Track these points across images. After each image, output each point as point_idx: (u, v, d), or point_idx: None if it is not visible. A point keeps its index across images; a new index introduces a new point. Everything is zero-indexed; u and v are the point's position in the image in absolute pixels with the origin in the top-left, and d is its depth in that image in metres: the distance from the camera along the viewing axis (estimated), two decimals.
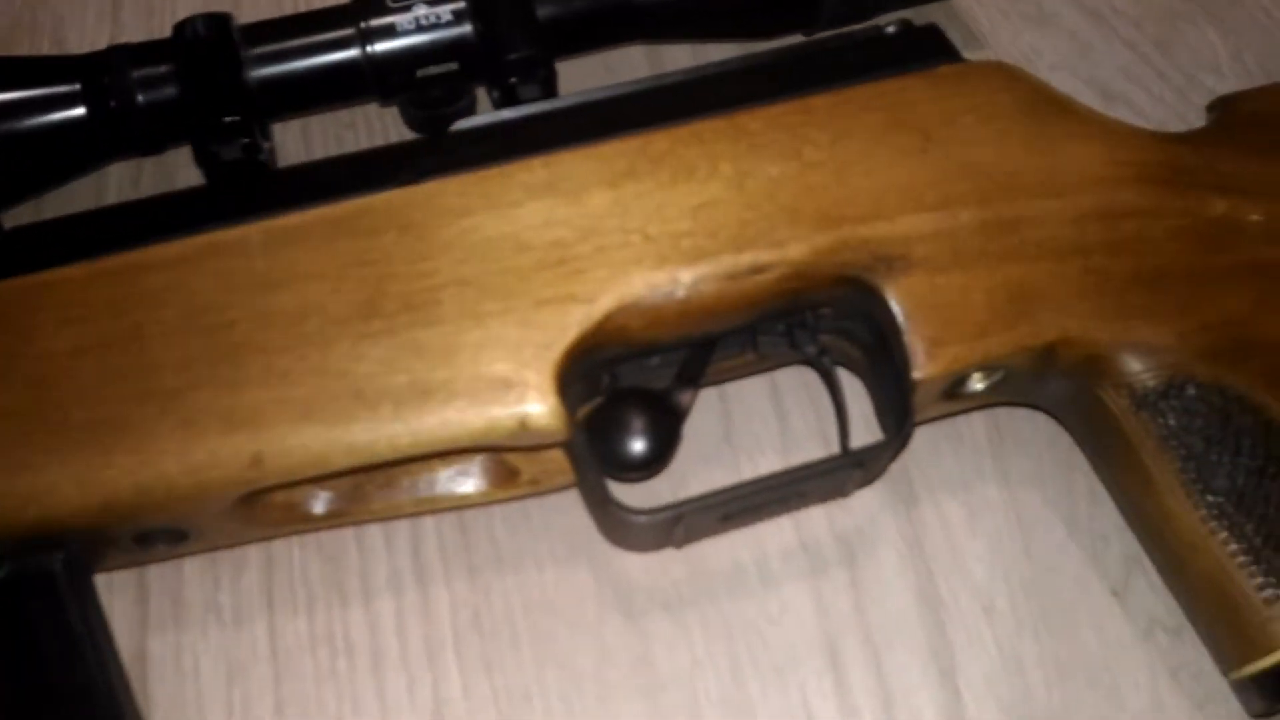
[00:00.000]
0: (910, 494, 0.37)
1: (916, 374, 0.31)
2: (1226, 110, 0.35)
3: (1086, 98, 0.46)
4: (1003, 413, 0.38)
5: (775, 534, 0.36)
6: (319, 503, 0.32)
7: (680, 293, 0.31)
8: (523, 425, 0.29)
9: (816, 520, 0.36)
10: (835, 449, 0.34)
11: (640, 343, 0.31)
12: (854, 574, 0.35)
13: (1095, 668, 0.33)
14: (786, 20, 0.44)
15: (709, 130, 0.33)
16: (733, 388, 0.39)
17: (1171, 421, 0.30)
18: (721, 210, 0.32)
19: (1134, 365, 0.31)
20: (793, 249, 0.31)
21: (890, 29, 0.37)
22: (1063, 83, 0.47)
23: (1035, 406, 0.36)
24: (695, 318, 0.31)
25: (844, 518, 0.36)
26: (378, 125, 0.46)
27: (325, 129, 0.46)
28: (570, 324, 0.30)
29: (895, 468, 0.37)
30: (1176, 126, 0.44)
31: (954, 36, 0.48)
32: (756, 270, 0.31)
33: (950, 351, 0.31)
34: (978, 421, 0.38)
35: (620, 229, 0.31)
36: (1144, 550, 0.33)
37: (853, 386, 0.37)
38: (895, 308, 0.31)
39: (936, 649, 0.34)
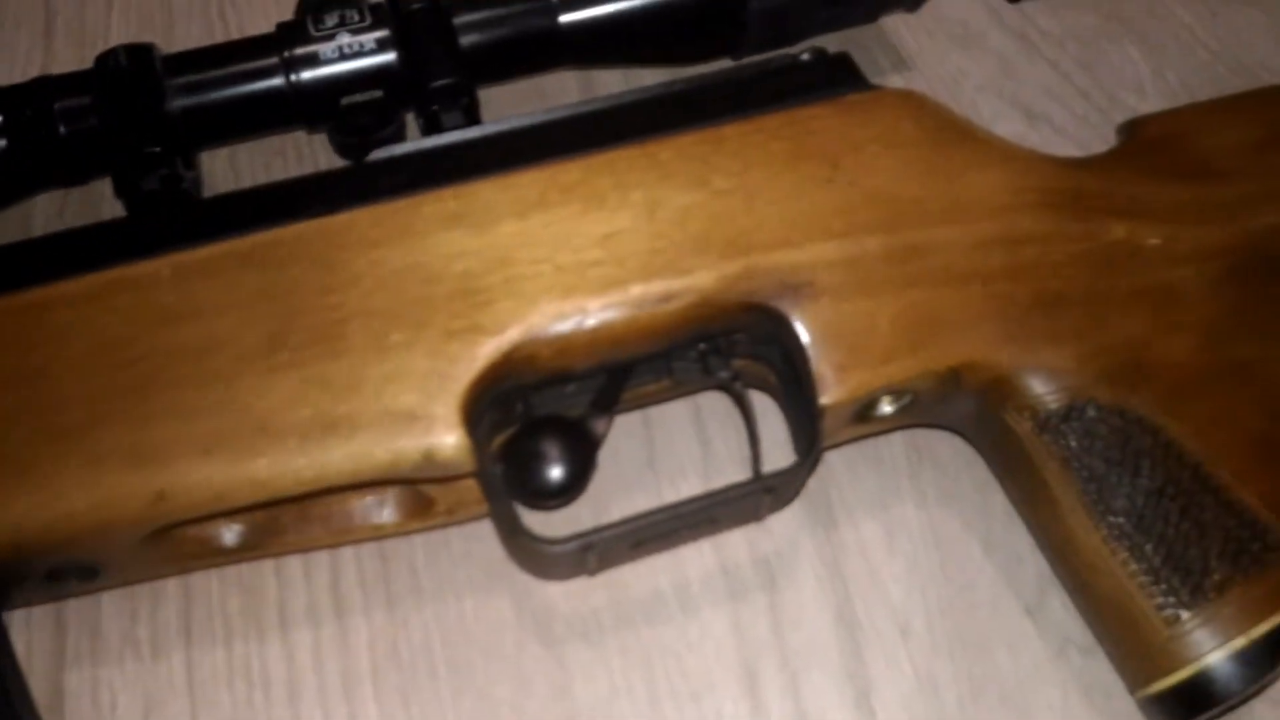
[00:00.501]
0: (829, 516, 0.37)
1: (823, 399, 0.31)
2: (1132, 133, 0.35)
3: (1010, 118, 0.47)
4: (921, 433, 0.39)
5: (696, 558, 0.36)
6: (232, 536, 0.32)
7: (589, 322, 0.31)
8: (429, 458, 0.29)
9: (736, 544, 0.36)
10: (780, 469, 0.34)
11: (552, 371, 0.32)
12: (773, 597, 0.35)
13: (1009, 687, 0.34)
14: (712, 47, 0.45)
15: (621, 159, 0.33)
16: (655, 412, 0.39)
17: (1073, 443, 0.31)
18: (631, 240, 0.32)
19: (1036, 388, 0.31)
20: (701, 277, 0.31)
21: (805, 57, 0.37)
22: (987, 104, 0.48)
23: (947, 428, 0.36)
24: (606, 346, 0.31)
25: (764, 540, 0.36)
26: (307, 152, 0.46)
27: (254, 157, 0.46)
28: (478, 355, 0.30)
29: (815, 489, 0.38)
30: (1098, 146, 0.45)
31: (882, 59, 0.49)
32: (665, 299, 0.31)
33: (856, 377, 0.31)
34: (897, 442, 0.39)
35: (530, 259, 0.32)
36: (1052, 570, 0.34)
37: (773, 409, 0.38)
38: (802, 334, 0.31)
39: (853, 671, 0.34)
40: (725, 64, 0.45)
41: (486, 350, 0.30)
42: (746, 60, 0.39)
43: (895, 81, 0.49)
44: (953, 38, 0.50)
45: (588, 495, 0.36)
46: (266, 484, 0.29)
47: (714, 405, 0.39)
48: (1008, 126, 0.47)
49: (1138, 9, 0.51)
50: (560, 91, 0.48)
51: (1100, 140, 0.47)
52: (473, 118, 0.41)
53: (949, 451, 0.38)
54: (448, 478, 0.31)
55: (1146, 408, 0.31)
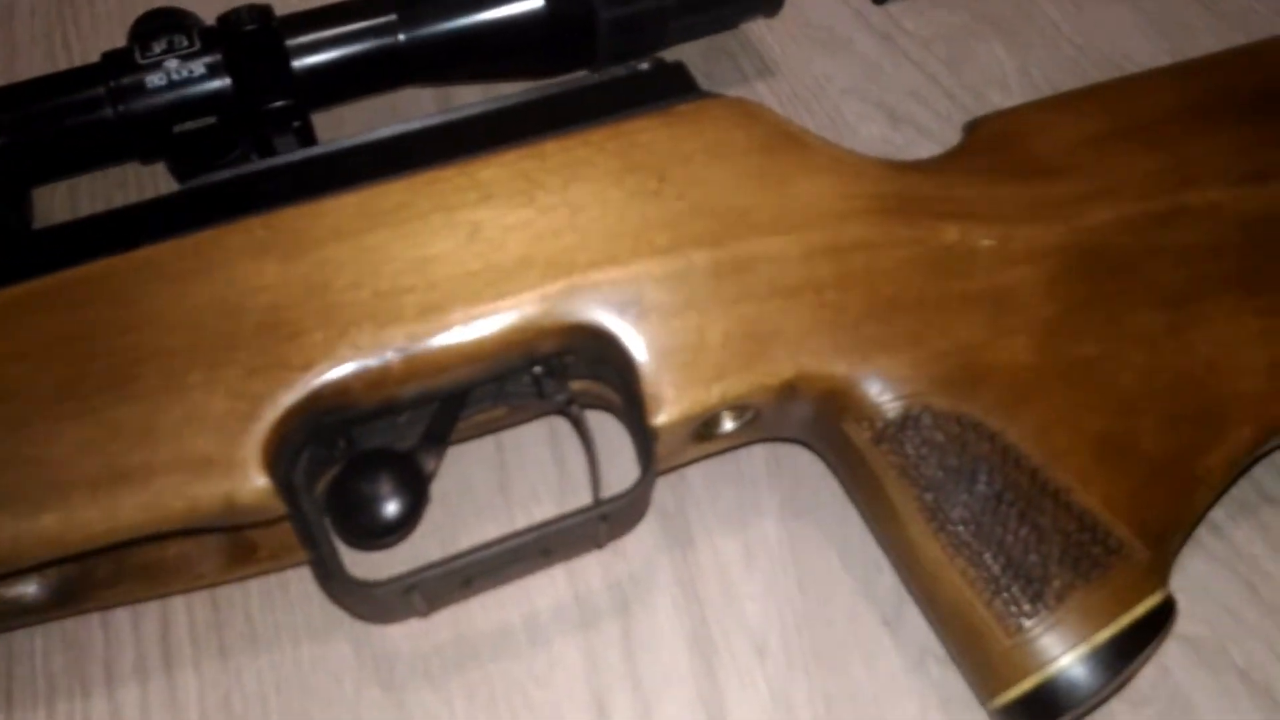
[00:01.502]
0: (687, 535, 0.36)
1: (654, 420, 0.30)
2: (973, 133, 0.35)
3: (875, 121, 0.47)
4: (782, 445, 0.38)
5: (547, 587, 0.35)
6: (40, 593, 0.30)
7: (405, 352, 0.30)
8: (229, 505, 0.28)
9: (590, 569, 0.35)
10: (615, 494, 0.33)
11: (370, 405, 0.30)
12: (627, 623, 0.34)
13: (865, 701, 0.33)
14: (566, 59, 0.44)
15: (442, 180, 0.32)
16: (509, 435, 0.38)
17: (910, 452, 0.30)
18: (451, 263, 0.31)
19: (872, 398, 0.31)
20: (523, 300, 0.30)
21: (644, 66, 0.36)
22: (852, 108, 0.47)
23: (796, 441, 0.35)
24: (426, 376, 0.30)
25: (619, 564, 0.35)
26: (149, 183, 0.44)
27: (95, 189, 0.44)
28: (283, 392, 0.28)
29: (672, 508, 0.37)
30: None
31: (747, 66, 0.49)
32: (486, 324, 0.30)
33: (687, 396, 0.30)
34: (757, 455, 0.38)
35: (344, 287, 0.30)
36: (900, 581, 0.33)
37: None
38: (631, 353, 0.30)
39: (706, 696, 0.33)
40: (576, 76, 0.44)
41: (293, 387, 0.28)
42: (579, 74, 0.38)
43: (759, 88, 0.49)
44: (818, 42, 0.49)
45: (436, 526, 0.36)
46: (57, 540, 0.27)
47: (570, 426, 0.38)
48: (872, 129, 0.47)
49: (1004, 6, 0.51)
50: (415, 107, 0.47)
51: None
52: (306, 140, 0.40)
53: (808, 460, 0.37)
54: (259, 523, 0.29)
55: (984, 413, 0.30)
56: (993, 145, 0.34)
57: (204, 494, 0.27)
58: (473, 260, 0.31)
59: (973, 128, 0.35)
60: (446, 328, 0.30)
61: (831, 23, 0.50)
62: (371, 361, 0.29)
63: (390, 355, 0.30)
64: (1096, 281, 0.32)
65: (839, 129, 0.47)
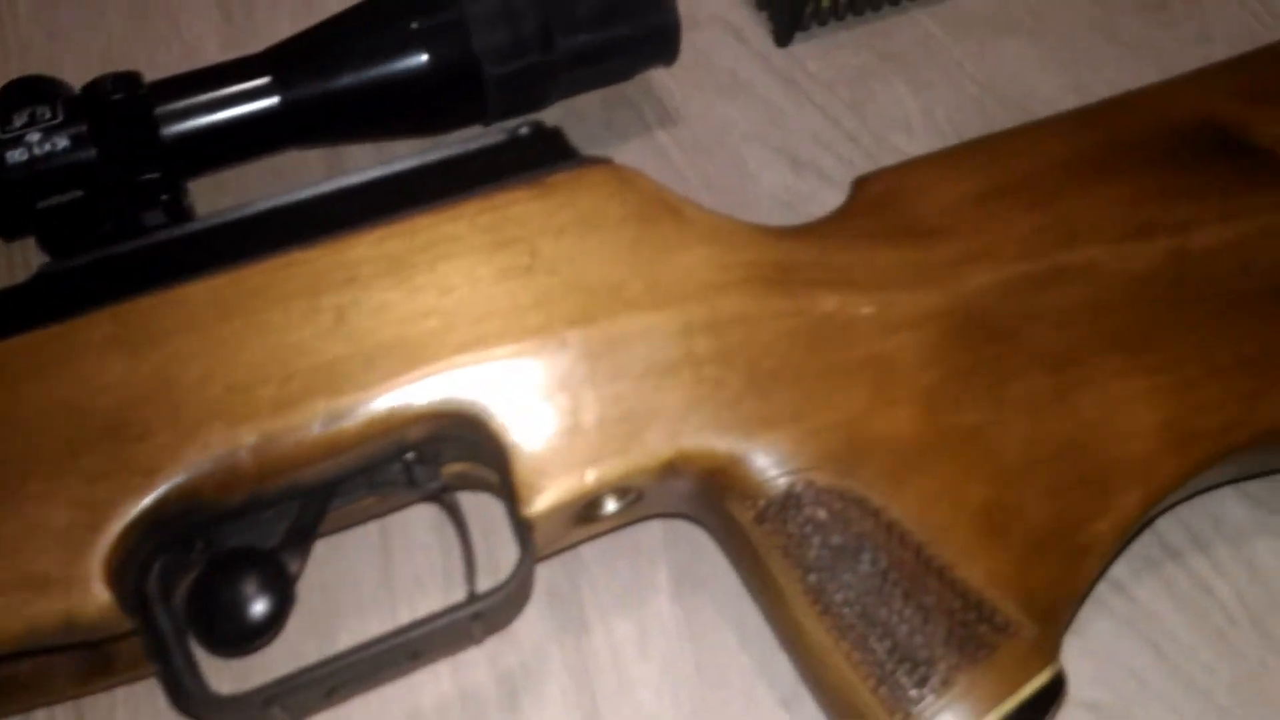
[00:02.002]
0: (580, 617, 0.35)
1: (528, 510, 0.29)
2: (858, 191, 0.34)
3: (777, 167, 0.46)
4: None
5: (430, 682, 0.33)
6: None
7: (259, 451, 0.29)
8: (70, 624, 0.26)
9: (476, 660, 0.34)
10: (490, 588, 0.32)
11: (224, 507, 0.29)
12: (514, 718, 0.33)
13: None
14: (454, 116, 0.43)
15: (305, 262, 0.31)
16: (394, 519, 0.37)
17: (793, 531, 0.29)
18: (311, 351, 0.30)
19: (755, 476, 0.30)
20: (388, 388, 0.29)
21: (524, 130, 0.35)
22: (755, 154, 0.47)
23: (685, 518, 0.35)
24: (283, 474, 0.29)
25: (507, 653, 0.34)
26: (19, 260, 0.43)
27: None
28: (128, 500, 0.27)
29: (564, 588, 0.36)
30: None
31: (649, 114, 0.48)
32: (341, 416, 0.29)
33: (563, 482, 0.29)
34: (655, 529, 0.36)
35: (194, 383, 0.29)
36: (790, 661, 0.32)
37: None
38: (502, 440, 0.29)
39: None
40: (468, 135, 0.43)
41: (138, 493, 0.27)
42: (454, 143, 0.36)
43: (661, 136, 0.48)
44: (721, 87, 0.48)
45: (315, 621, 0.34)
46: None
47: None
48: (775, 177, 0.46)
49: (907, 46, 0.50)
50: (302, 168, 0.45)
51: None
52: (178, 215, 0.39)
53: (706, 536, 0.36)
54: (108, 639, 0.28)
55: (867, 487, 0.29)
56: (875, 206, 0.33)
57: (43, 614, 0.26)
58: (335, 347, 0.30)
59: (858, 185, 0.34)
60: (304, 423, 0.29)
61: (734, 66, 0.49)
62: (222, 462, 0.28)
63: (243, 455, 0.28)
64: (977, 347, 0.31)
65: (741, 177, 0.46)
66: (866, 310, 0.31)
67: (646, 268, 0.31)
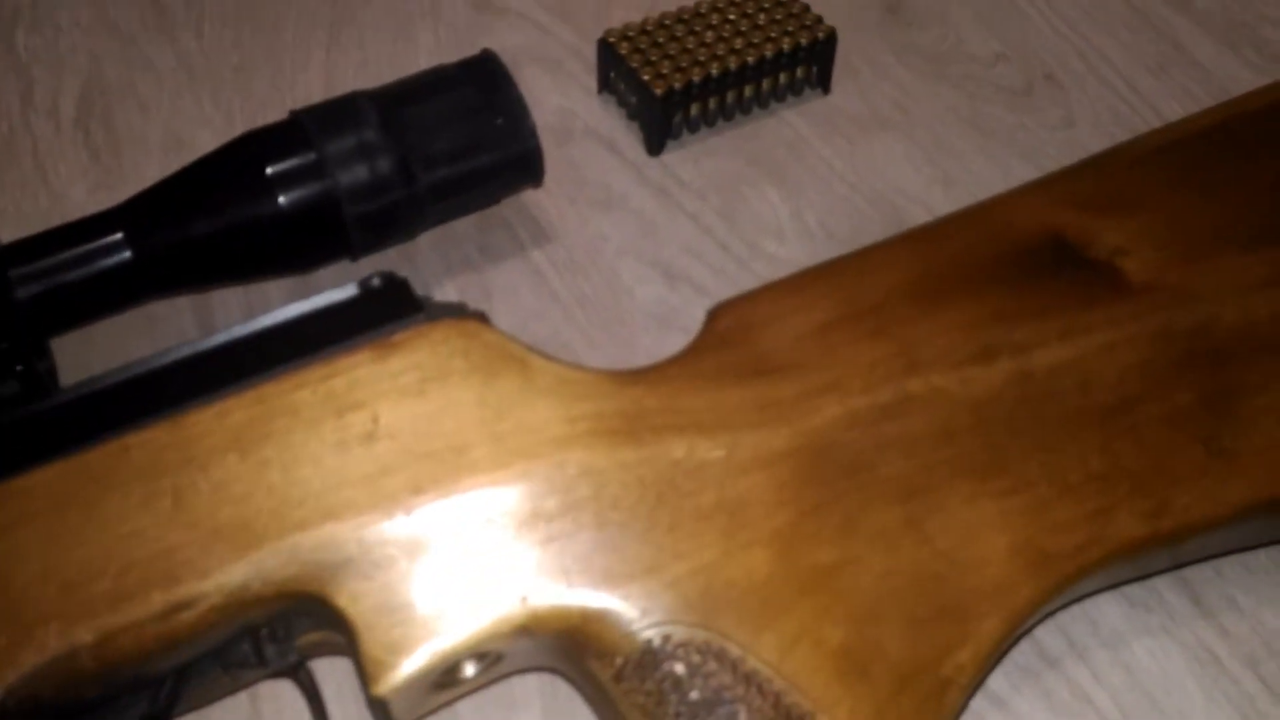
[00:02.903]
0: None
1: (378, 689, 0.28)
2: (706, 326, 0.34)
3: (651, 281, 0.46)
4: None
5: None
6: None
7: (93, 650, 0.28)
8: None
9: None
10: None
11: (71, 703, 0.28)
12: None
13: None
14: (320, 254, 0.43)
15: (142, 444, 0.30)
16: (265, 686, 0.36)
17: (652, 689, 0.29)
18: (150, 538, 0.29)
19: (611, 633, 0.29)
20: (224, 574, 0.28)
21: (375, 281, 0.35)
22: (629, 268, 0.47)
23: (555, 673, 0.34)
24: (127, 667, 0.28)
25: None
26: None
27: None
28: None
29: None
30: None
31: (522, 233, 0.48)
32: (182, 607, 0.28)
33: (412, 656, 0.28)
34: (530, 679, 0.36)
35: (29, 582, 0.28)
36: None
37: None
38: (347, 616, 0.29)
39: None
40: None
41: None
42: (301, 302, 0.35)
43: (535, 256, 0.48)
44: (595, 202, 0.49)
45: None
46: None
47: (325, 669, 0.35)
48: (649, 290, 0.46)
49: (776, 148, 0.51)
50: (172, 313, 0.45)
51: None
52: (34, 387, 0.38)
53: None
54: None
55: (725, 637, 0.29)
56: (723, 342, 0.33)
57: None
58: (173, 534, 0.29)
59: (710, 317, 0.34)
60: (142, 617, 0.28)
61: (608, 180, 0.50)
62: (61, 665, 0.27)
63: (82, 655, 0.27)
64: (829, 482, 0.31)
65: (616, 293, 0.46)
66: (716, 454, 0.31)
67: (492, 426, 0.31)
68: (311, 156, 0.40)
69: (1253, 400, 0.33)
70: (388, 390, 0.31)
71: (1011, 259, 0.35)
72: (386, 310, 0.33)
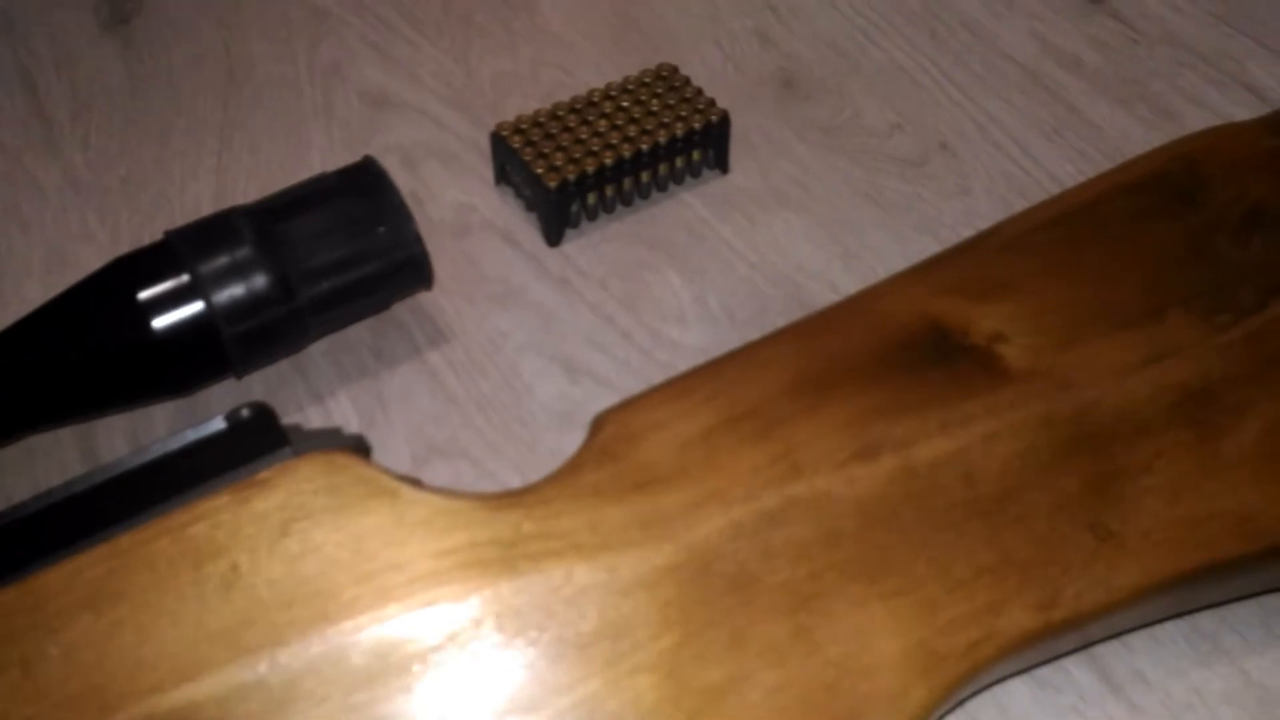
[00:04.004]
0: None
1: None
2: (589, 437, 0.33)
3: (552, 376, 0.46)
4: None
5: None
6: None
7: None
8: None
9: None
10: None
11: None
12: None
13: None
14: (203, 375, 0.42)
15: (4, 605, 0.29)
16: None
17: None
18: None
19: None
20: None
21: (245, 412, 0.34)
22: (529, 364, 0.46)
23: None
24: None
25: None
26: None
27: None
28: None
29: None
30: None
31: (418, 335, 0.47)
32: None
33: None
34: None
35: None
36: None
37: None
38: None
39: None
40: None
41: None
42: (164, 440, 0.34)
43: (432, 357, 0.47)
44: (493, 297, 0.48)
45: None
46: None
47: None
48: (550, 387, 0.45)
49: (677, 231, 0.51)
50: (54, 445, 0.44)
51: (644, 384, 0.47)
52: None
53: None
54: None
55: None
56: (605, 453, 0.32)
57: None
58: (21, 707, 0.27)
59: (593, 427, 0.34)
60: None
61: (506, 273, 0.49)
62: None
63: None
64: (715, 597, 0.30)
65: (517, 392, 0.45)
66: (596, 578, 0.30)
67: (360, 566, 0.30)
68: (184, 279, 0.39)
69: (1138, 482, 0.33)
70: (250, 535, 0.30)
71: (892, 350, 0.35)
72: (254, 445, 0.32)
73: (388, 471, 0.32)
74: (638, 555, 0.30)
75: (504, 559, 0.30)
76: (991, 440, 0.33)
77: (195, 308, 0.39)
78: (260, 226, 0.40)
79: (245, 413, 0.34)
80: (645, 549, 0.30)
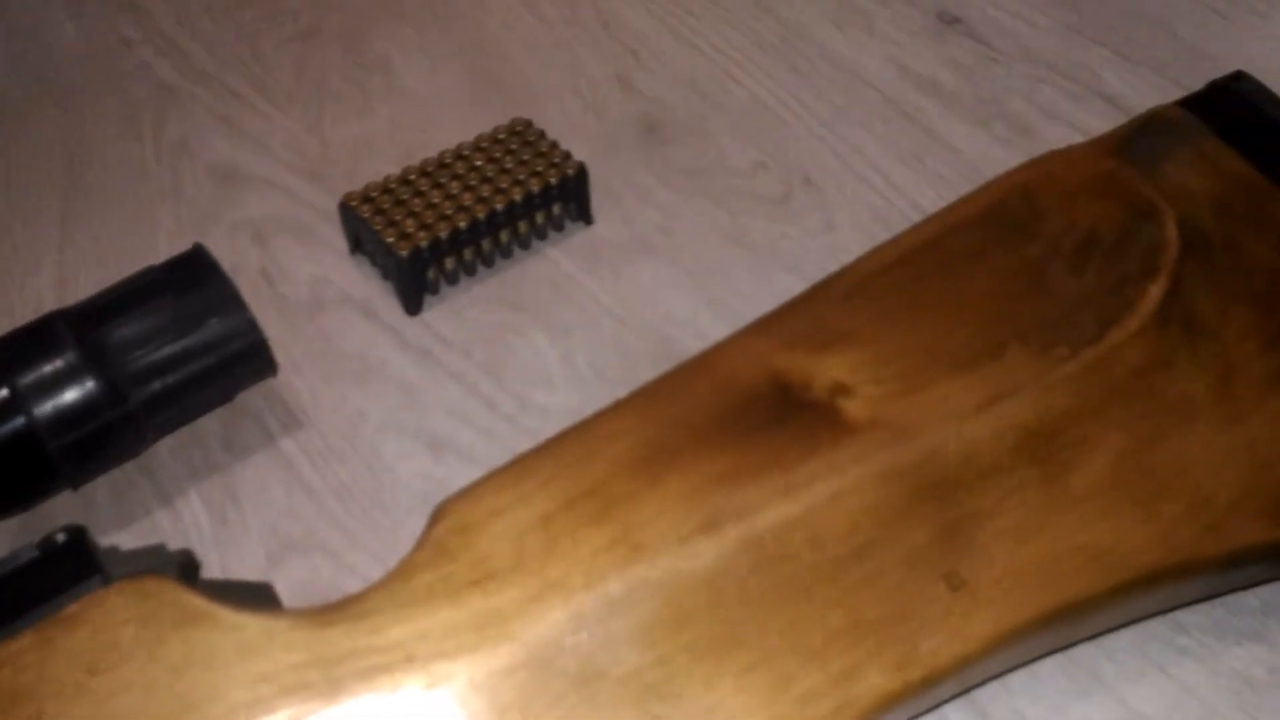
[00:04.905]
0: None
1: None
2: (424, 534, 0.32)
3: (415, 454, 0.44)
4: None
5: None
6: None
7: None
8: None
9: None
10: None
11: None
12: None
13: None
14: (29, 490, 0.39)
15: None
16: None
17: None
18: None
19: None
20: None
21: (60, 537, 0.32)
22: (391, 444, 0.44)
23: None
24: None
25: None
26: None
27: None
28: None
29: None
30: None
31: (272, 422, 0.45)
32: None
33: None
34: None
35: None
36: None
37: None
38: None
39: None
40: None
41: None
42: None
43: (287, 445, 0.45)
44: (351, 376, 0.46)
45: None
46: None
47: None
48: (413, 466, 0.44)
49: (541, 289, 0.49)
50: None
51: (509, 455, 0.45)
52: None
53: None
54: None
55: None
56: (440, 550, 0.31)
57: None
58: None
59: (430, 521, 0.32)
60: None
61: (364, 349, 0.47)
62: None
63: None
64: (559, 697, 0.29)
65: (377, 475, 0.44)
66: (430, 691, 0.28)
67: (176, 700, 0.28)
68: (3, 392, 0.37)
69: (987, 526, 0.32)
70: (56, 677, 0.28)
71: (735, 411, 0.34)
72: (67, 573, 0.31)
73: (207, 592, 0.30)
74: (474, 660, 0.29)
75: (329, 679, 0.28)
76: (837, 499, 0.32)
77: (16, 421, 0.37)
78: (83, 330, 0.38)
79: (60, 537, 0.32)
80: (482, 653, 0.29)
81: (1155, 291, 0.35)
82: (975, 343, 0.34)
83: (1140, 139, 0.42)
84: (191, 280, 0.40)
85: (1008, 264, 0.36)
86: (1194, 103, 0.44)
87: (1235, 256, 0.38)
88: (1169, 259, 0.36)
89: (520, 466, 0.33)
